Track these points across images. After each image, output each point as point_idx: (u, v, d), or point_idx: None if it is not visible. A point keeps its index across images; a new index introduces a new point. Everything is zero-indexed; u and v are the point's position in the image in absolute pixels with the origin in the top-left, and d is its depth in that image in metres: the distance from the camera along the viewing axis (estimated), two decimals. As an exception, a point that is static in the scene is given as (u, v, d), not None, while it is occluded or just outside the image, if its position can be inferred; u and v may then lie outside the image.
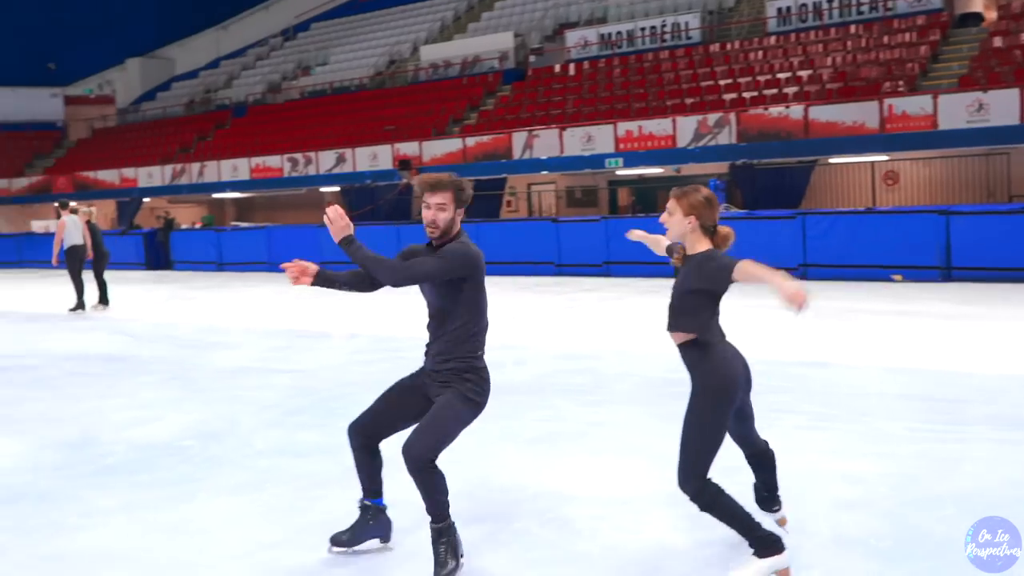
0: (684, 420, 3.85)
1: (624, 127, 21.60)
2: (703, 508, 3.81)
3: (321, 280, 4.14)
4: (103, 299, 16.02)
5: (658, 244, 4.47)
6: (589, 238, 18.82)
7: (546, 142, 22.80)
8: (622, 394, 7.77)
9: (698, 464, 3.78)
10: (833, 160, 20.47)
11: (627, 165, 21.71)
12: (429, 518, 4.00)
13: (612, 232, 18.36)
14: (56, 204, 16.66)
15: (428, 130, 26.27)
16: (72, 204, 16.28)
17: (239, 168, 28.76)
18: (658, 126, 21.12)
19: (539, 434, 6.49)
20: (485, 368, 4.14)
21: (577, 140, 22.29)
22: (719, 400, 3.82)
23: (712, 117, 20.40)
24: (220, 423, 7.13)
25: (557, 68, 27.37)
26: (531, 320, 12.95)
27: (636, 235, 4.73)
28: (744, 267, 3.71)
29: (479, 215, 24.32)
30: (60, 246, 15.41)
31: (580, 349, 10.00)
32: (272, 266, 23.71)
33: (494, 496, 5.21)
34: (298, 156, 27.43)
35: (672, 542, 4.40)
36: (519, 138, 23.21)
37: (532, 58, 28.95)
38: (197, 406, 7.76)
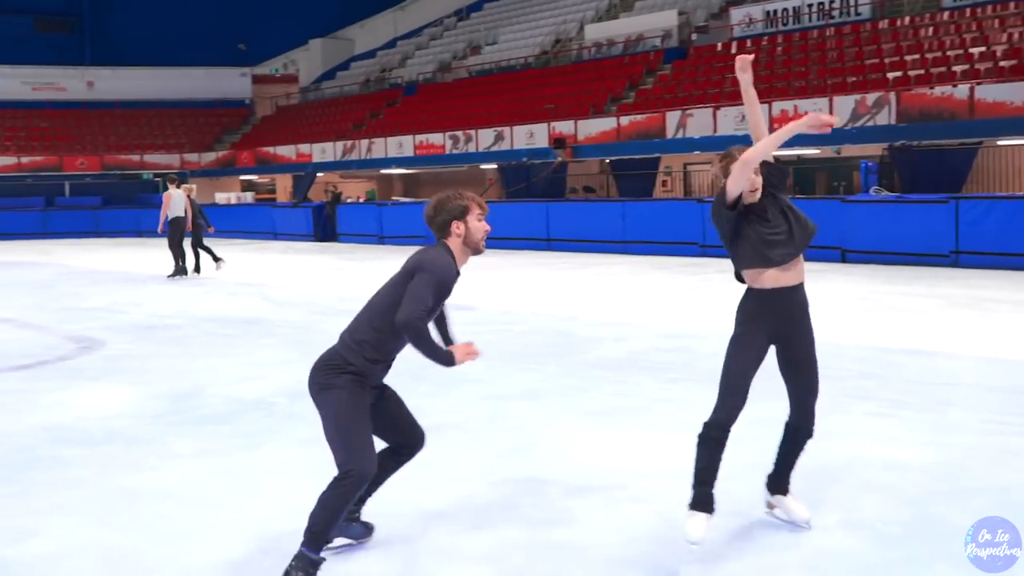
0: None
1: (779, 106, 21.05)
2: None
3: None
4: (197, 268, 17.20)
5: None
6: (734, 219, 18.48)
7: (700, 121, 22.50)
8: (704, 373, 7.76)
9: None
10: (1001, 142, 19.32)
11: (781, 146, 21.12)
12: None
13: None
14: (165, 178, 17.84)
15: (586, 109, 26.38)
16: (176, 179, 17.52)
17: (404, 145, 29.73)
18: (814, 106, 20.44)
19: (602, 408, 6.62)
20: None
21: (731, 120, 21.88)
22: None
23: (871, 97, 19.62)
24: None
25: (719, 47, 26.89)
26: (652, 299, 12.97)
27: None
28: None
29: (631, 194, 24.33)
30: (165, 217, 16.58)
31: (684, 328, 10.00)
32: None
33: (528, 461, 5.40)
34: (459, 134, 28.11)
35: (674, 516, 4.48)
36: (672, 117, 23.01)
37: (694, 36, 28.54)
38: (303, 368, 8.23)
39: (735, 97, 22.82)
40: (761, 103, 19.79)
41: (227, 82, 43.47)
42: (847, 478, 4.93)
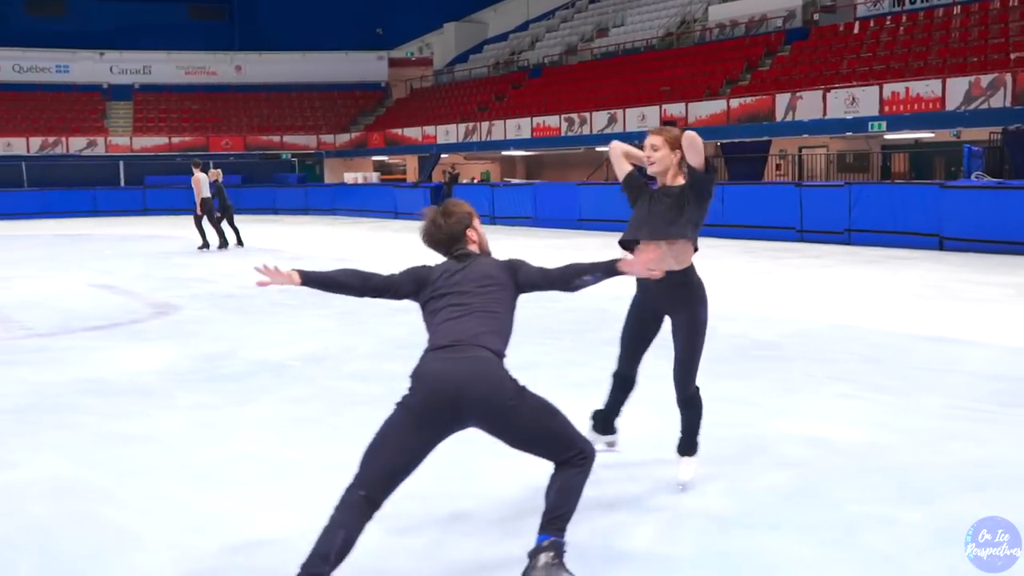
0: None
1: (890, 88, 20.48)
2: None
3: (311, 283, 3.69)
4: (239, 241, 19.48)
5: (621, 161, 4.54)
6: (832, 204, 18.17)
7: (809, 104, 22.10)
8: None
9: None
10: None
11: (890, 129, 20.60)
12: None
13: (856, 199, 17.66)
14: (193, 163, 19.91)
15: (701, 91, 26.22)
16: (200, 164, 19.55)
17: (522, 127, 30.22)
18: (926, 88, 19.83)
19: (585, 379, 6.86)
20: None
21: (841, 102, 21.41)
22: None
23: (986, 78, 18.86)
24: (337, 350, 8.13)
25: (841, 27, 26.21)
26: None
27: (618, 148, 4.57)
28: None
29: (741, 177, 24.07)
30: (200, 197, 18.76)
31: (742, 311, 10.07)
32: (537, 220, 24.93)
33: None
34: (574, 116, 28.38)
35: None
36: (782, 100, 22.66)
37: (817, 16, 27.87)
38: (336, 337, 8.84)
39: (850, 79, 22.38)
40: (871, 85, 19.31)
41: (365, 66, 44.97)
42: (766, 453, 5.09)
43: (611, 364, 4.74)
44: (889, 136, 21.86)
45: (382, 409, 3.45)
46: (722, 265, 15.05)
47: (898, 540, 3.86)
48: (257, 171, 39.06)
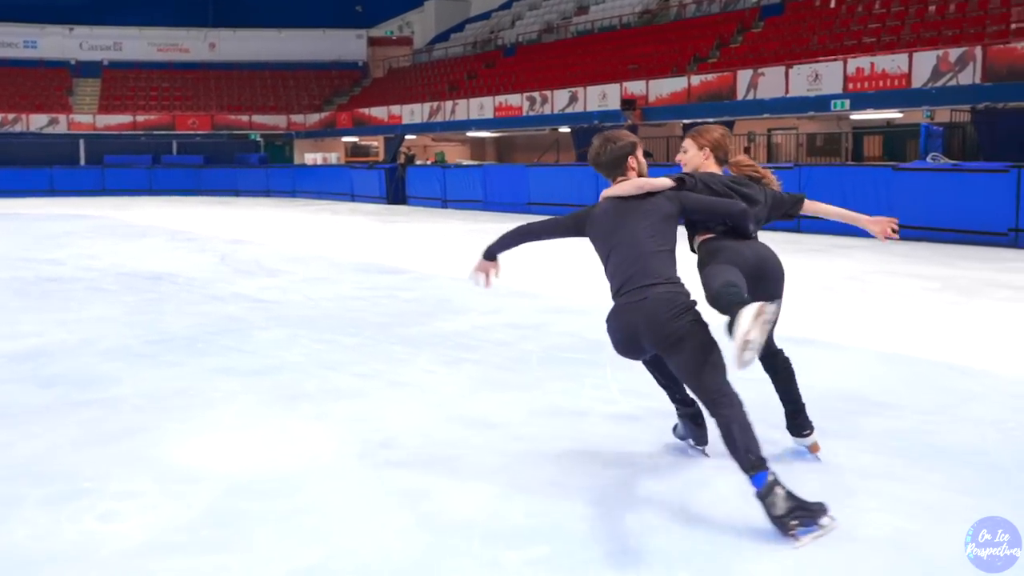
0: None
1: (854, 64, 18.86)
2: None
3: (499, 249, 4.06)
4: None
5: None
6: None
7: (771, 81, 20.49)
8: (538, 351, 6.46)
9: None
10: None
11: (854, 108, 18.99)
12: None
13: (805, 182, 16.09)
14: None
15: (668, 69, 24.66)
16: None
17: (485, 107, 28.72)
18: (892, 63, 18.21)
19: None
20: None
21: (804, 79, 19.81)
22: None
23: (954, 52, 17.22)
24: (64, 345, 6.73)
25: (818, 1, 24.55)
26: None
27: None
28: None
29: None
30: None
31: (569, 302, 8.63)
32: (487, 204, 23.46)
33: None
34: (535, 95, 26.85)
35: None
36: (744, 77, 21.06)
37: (795, -11, 26.21)
38: (101, 327, 7.44)
39: (815, 54, 20.77)
40: (834, 60, 17.78)
41: (343, 44, 43.55)
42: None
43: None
44: (857, 116, 20.26)
45: None
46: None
47: None
48: (221, 151, 37.71)
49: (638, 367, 4.15)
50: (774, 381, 4.13)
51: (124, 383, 5.51)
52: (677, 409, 4.13)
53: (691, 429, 4.14)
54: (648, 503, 3.64)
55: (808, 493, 3.36)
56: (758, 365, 3.87)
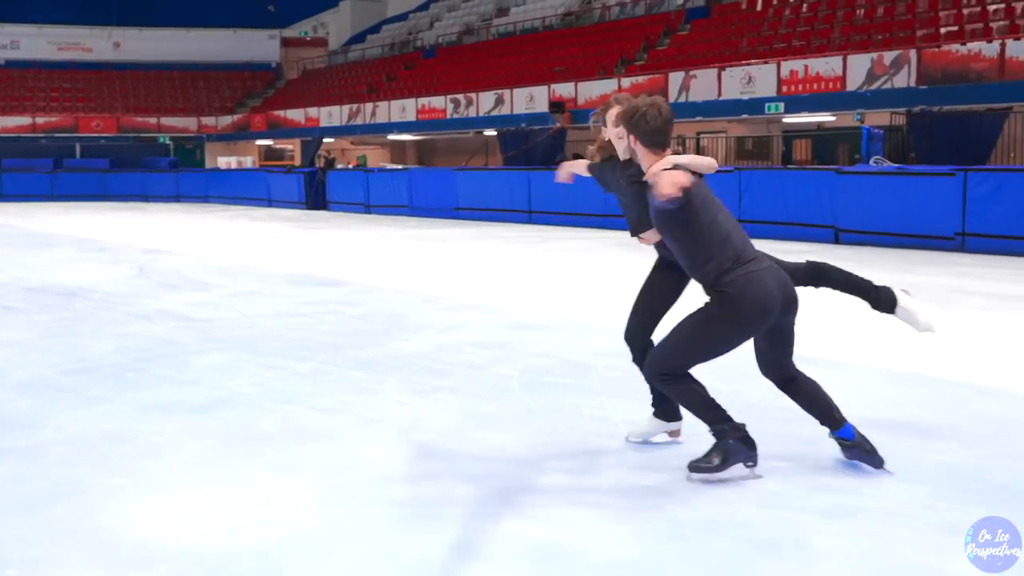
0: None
1: (788, 67, 18.68)
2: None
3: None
4: None
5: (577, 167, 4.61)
6: (719, 192, 16.16)
7: (703, 84, 20.20)
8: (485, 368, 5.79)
9: None
10: (1035, 108, 16.69)
11: (788, 111, 18.79)
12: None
13: (746, 186, 15.77)
14: None
15: (595, 71, 24.25)
16: None
17: (407, 109, 27.94)
18: (826, 65, 18.05)
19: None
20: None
21: (736, 82, 19.56)
22: None
23: (889, 55, 17.13)
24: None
25: (743, 4, 24.44)
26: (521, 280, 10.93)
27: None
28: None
29: (634, 164, 22.10)
30: None
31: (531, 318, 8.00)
32: (413, 209, 22.64)
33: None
34: (460, 97, 26.18)
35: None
36: (675, 79, 20.73)
37: (722, -8, 26.11)
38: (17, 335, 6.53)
39: (746, 57, 20.56)
40: (767, 63, 17.60)
41: (255, 44, 42.22)
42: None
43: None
44: (789, 119, 20.07)
45: None
46: (599, 258, 13.11)
47: None
48: (128, 155, 36.06)
49: (632, 393, 3.54)
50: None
51: (45, 426, 4.68)
52: (734, 431, 3.89)
53: (746, 452, 3.90)
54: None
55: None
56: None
